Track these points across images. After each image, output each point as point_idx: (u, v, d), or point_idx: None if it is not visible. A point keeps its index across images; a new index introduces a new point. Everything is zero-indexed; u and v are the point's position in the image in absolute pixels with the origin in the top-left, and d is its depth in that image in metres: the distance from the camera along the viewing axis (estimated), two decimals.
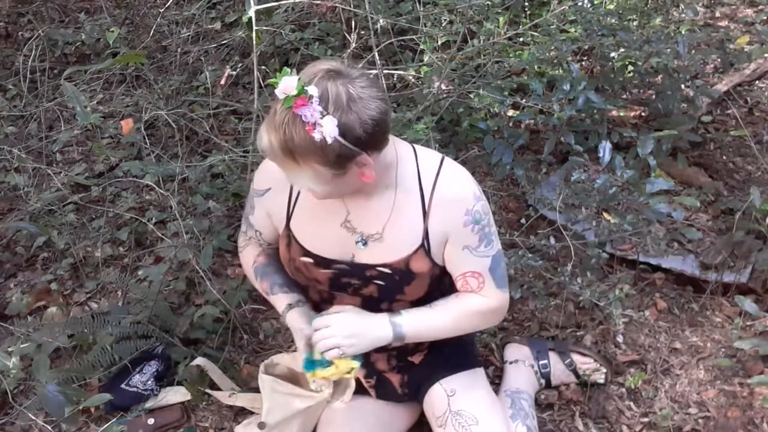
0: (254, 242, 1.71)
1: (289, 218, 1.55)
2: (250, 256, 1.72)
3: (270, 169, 1.56)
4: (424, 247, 1.48)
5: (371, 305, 1.58)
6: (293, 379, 1.72)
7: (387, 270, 1.50)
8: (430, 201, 1.46)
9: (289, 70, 1.28)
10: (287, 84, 1.25)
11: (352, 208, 1.49)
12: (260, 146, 1.31)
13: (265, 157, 1.36)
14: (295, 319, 1.58)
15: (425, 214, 1.46)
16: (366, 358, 1.67)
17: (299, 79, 1.25)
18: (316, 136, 1.24)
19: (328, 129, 1.24)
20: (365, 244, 1.50)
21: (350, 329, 1.48)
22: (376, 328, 1.50)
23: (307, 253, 1.54)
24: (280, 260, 1.67)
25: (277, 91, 1.26)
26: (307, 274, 1.57)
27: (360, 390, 1.73)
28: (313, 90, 1.24)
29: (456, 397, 1.61)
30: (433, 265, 1.50)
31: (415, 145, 1.51)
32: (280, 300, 1.64)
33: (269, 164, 1.57)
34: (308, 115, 1.24)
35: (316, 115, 1.24)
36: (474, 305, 1.55)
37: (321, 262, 1.54)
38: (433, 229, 1.47)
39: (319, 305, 1.64)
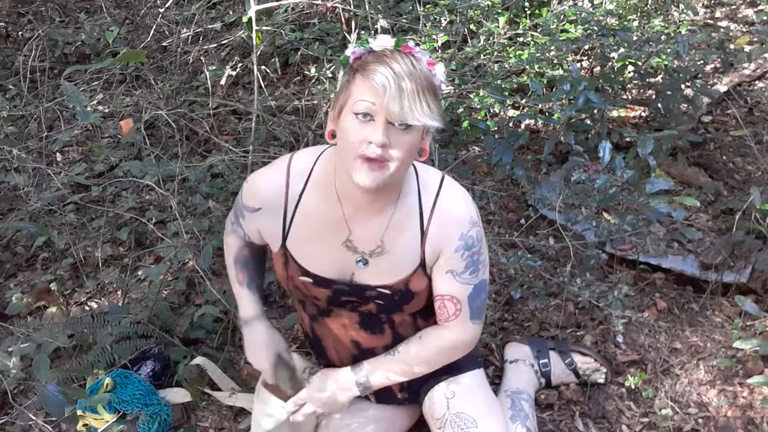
0: (243, 237, 1.66)
1: (285, 237, 1.51)
2: (234, 244, 1.68)
3: (259, 190, 1.51)
4: (423, 267, 1.48)
5: (369, 319, 1.58)
6: (292, 379, 1.72)
7: (387, 291, 1.50)
8: (429, 222, 1.45)
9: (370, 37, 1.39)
10: (383, 38, 1.33)
11: (354, 227, 1.47)
12: (387, 86, 1.26)
13: (385, 98, 1.27)
14: (259, 344, 1.67)
15: (423, 234, 1.46)
16: None
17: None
18: (436, 72, 1.34)
19: (440, 69, 1.35)
20: (366, 263, 1.49)
21: (323, 401, 1.61)
22: (343, 392, 1.60)
23: (306, 273, 1.52)
24: (262, 260, 1.69)
25: (374, 44, 1.33)
26: (305, 291, 1.56)
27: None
28: (410, 43, 1.33)
29: (455, 399, 1.61)
30: (431, 281, 1.51)
31: (415, 162, 1.48)
32: (248, 301, 1.68)
33: (258, 184, 1.52)
34: (424, 56, 1.33)
35: (426, 57, 1.34)
36: (438, 344, 1.56)
37: (320, 282, 1.52)
38: (428, 248, 1.46)
39: (316, 317, 1.64)
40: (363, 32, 2.97)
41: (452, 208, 1.46)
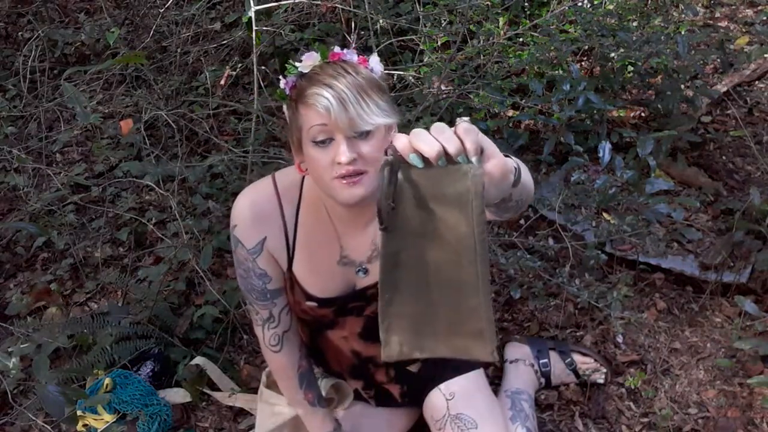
0: (292, 335, 1.60)
1: (291, 260, 1.50)
2: (289, 359, 1.61)
3: (251, 207, 1.46)
4: None
5: (372, 323, 1.57)
6: None
7: None
8: None
9: (293, 63, 1.34)
10: (307, 57, 1.30)
11: (346, 242, 1.48)
12: (330, 106, 1.23)
13: (332, 118, 1.23)
14: None
15: None
16: (364, 372, 1.67)
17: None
18: (372, 65, 1.31)
19: (374, 61, 1.32)
20: (366, 272, 1.50)
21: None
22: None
23: (310, 298, 1.52)
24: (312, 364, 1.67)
25: (302, 66, 1.30)
26: (312, 314, 1.56)
27: (359, 397, 1.73)
28: (336, 48, 1.31)
29: (455, 400, 1.60)
30: None
31: None
32: (320, 418, 1.64)
33: (245, 201, 1.47)
34: (353, 57, 1.31)
35: (356, 57, 1.31)
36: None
37: (325, 303, 1.53)
38: None
39: (320, 330, 1.64)
40: (363, 32, 2.97)
41: None
